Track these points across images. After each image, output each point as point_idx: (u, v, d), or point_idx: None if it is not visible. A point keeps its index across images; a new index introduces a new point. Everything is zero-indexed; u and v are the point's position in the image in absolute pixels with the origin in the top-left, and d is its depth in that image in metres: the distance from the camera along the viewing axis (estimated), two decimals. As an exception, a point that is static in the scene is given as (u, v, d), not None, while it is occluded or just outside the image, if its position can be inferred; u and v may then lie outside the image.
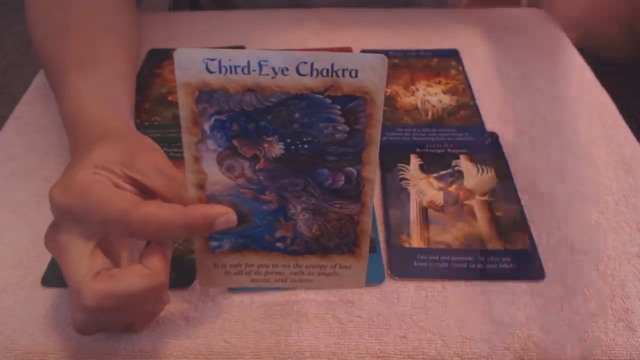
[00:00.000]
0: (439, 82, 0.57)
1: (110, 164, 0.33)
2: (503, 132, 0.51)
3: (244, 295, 0.39)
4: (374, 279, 0.39)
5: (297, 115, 0.31)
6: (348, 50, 0.62)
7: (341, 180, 0.33)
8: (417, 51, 0.62)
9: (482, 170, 0.47)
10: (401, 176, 0.47)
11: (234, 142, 0.32)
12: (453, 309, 0.38)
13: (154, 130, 0.51)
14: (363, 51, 0.61)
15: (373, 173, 0.33)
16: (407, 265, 0.40)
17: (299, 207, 0.34)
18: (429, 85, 0.57)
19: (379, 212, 0.44)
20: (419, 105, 0.54)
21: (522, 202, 0.44)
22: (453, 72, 0.58)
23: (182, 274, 0.39)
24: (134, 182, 0.33)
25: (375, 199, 0.45)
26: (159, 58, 0.61)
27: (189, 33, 0.66)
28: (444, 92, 0.56)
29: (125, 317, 0.34)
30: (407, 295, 0.39)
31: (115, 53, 0.49)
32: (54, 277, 0.40)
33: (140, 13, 0.62)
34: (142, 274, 0.32)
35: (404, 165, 0.48)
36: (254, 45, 0.62)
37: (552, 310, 0.38)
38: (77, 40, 0.48)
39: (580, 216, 0.44)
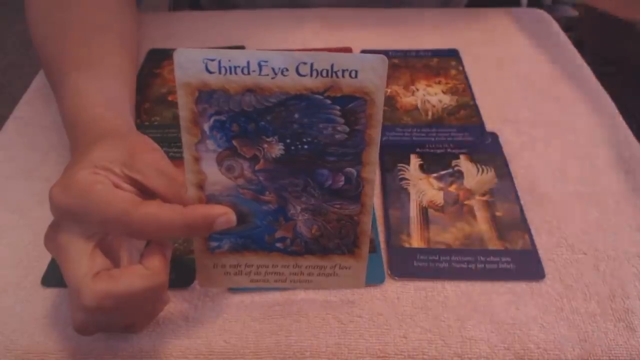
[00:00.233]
0: (439, 82, 0.57)
1: (110, 164, 0.33)
2: (503, 132, 0.51)
3: (244, 295, 0.39)
4: (374, 279, 0.39)
5: (296, 115, 0.31)
6: (348, 50, 0.62)
7: (341, 181, 0.33)
8: (417, 51, 0.62)
9: (482, 170, 0.47)
10: (401, 176, 0.47)
11: (234, 142, 0.32)
12: (453, 309, 0.38)
13: (154, 130, 0.51)
14: (363, 51, 0.61)
15: (373, 173, 0.33)
16: (407, 265, 0.40)
17: (298, 208, 0.34)
18: (429, 85, 0.57)
19: (379, 212, 0.44)
20: (419, 105, 0.54)
21: (522, 202, 0.44)
22: (453, 72, 0.58)
23: (182, 274, 0.39)
24: (133, 182, 0.33)
25: (375, 199, 0.45)
26: (159, 58, 0.61)
27: (189, 33, 0.66)
28: (444, 92, 0.56)
29: (125, 318, 0.34)
30: (407, 295, 0.39)
31: (115, 53, 0.49)
32: (54, 277, 0.40)
33: (140, 13, 0.62)
34: (141, 274, 0.32)
35: (404, 165, 0.48)
36: (253, 45, 0.62)
37: (552, 310, 0.38)
38: (77, 40, 0.48)
39: (580, 216, 0.44)
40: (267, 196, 0.33)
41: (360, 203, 0.34)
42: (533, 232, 0.42)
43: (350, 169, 0.33)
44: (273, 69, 0.29)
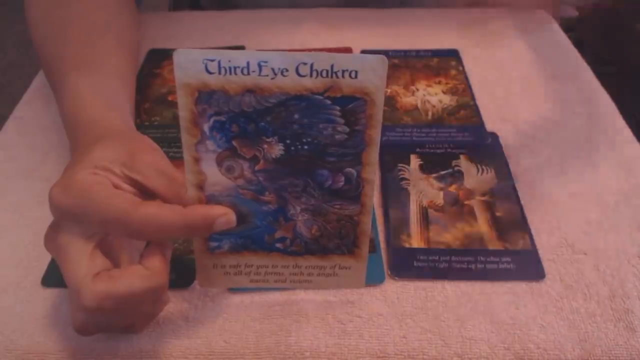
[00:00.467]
0: (439, 82, 0.57)
1: (110, 165, 0.33)
2: (503, 132, 0.51)
3: (244, 295, 0.39)
4: (374, 279, 0.39)
5: (296, 116, 0.31)
6: (348, 50, 0.62)
7: (341, 181, 0.33)
8: (417, 51, 0.62)
9: (482, 170, 0.47)
10: (401, 176, 0.47)
11: (234, 143, 0.32)
12: (453, 309, 0.38)
13: (154, 130, 0.51)
14: (363, 51, 0.61)
15: (373, 174, 0.33)
16: (407, 265, 0.40)
17: (298, 208, 0.34)
18: (429, 85, 0.57)
19: (379, 212, 0.44)
20: (419, 105, 0.54)
21: (522, 202, 0.44)
22: (453, 72, 0.58)
23: (182, 274, 0.39)
24: (133, 183, 0.33)
25: (375, 199, 0.45)
26: (159, 58, 0.61)
27: (189, 33, 0.66)
28: (444, 92, 0.56)
29: (125, 318, 0.34)
30: (407, 295, 0.39)
31: (115, 53, 0.49)
32: (54, 277, 0.40)
33: (140, 13, 0.62)
34: (141, 274, 0.32)
35: (404, 165, 0.48)
36: (254, 46, 0.62)
37: (552, 310, 0.38)
38: (77, 40, 0.48)
39: (580, 216, 0.44)
40: (267, 196, 0.33)
41: (360, 203, 0.34)
42: (533, 232, 0.42)
43: (350, 169, 0.33)
44: (273, 70, 0.29)
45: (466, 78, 0.58)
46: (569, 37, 0.65)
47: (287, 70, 0.29)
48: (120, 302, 0.31)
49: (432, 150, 0.49)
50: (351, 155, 0.32)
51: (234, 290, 0.39)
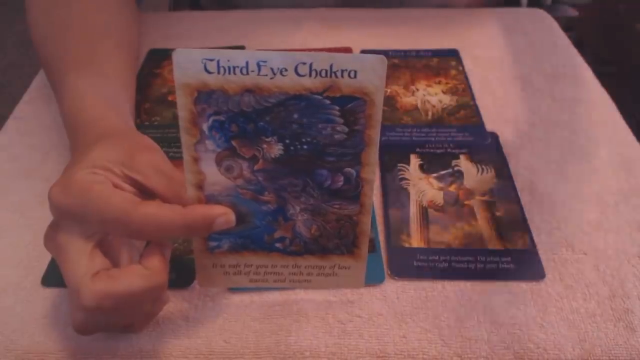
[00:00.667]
0: (439, 82, 0.57)
1: (110, 164, 0.33)
2: (503, 132, 0.51)
3: (244, 295, 0.39)
4: (373, 278, 0.39)
5: (296, 115, 0.31)
6: (348, 50, 0.62)
7: (340, 181, 0.33)
8: (417, 51, 0.62)
9: (482, 170, 0.47)
10: (401, 176, 0.47)
11: (233, 142, 0.32)
12: (453, 309, 0.38)
13: (154, 130, 0.51)
14: (363, 51, 0.61)
15: (372, 174, 0.33)
16: (407, 265, 0.40)
17: (297, 208, 0.34)
18: (429, 85, 0.57)
19: (379, 212, 0.44)
20: (419, 105, 0.54)
21: (522, 202, 0.44)
22: (453, 72, 0.58)
23: (182, 274, 0.39)
24: (133, 183, 0.33)
25: (375, 199, 0.45)
26: (159, 58, 0.61)
27: (189, 33, 0.66)
28: (444, 92, 0.56)
29: (124, 317, 0.34)
30: (407, 295, 0.39)
31: (116, 53, 0.49)
32: (54, 277, 0.40)
33: (140, 13, 0.62)
34: (141, 274, 0.32)
35: (404, 165, 0.48)
36: (254, 45, 0.62)
37: (552, 310, 0.38)
38: (77, 40, 0.48)
39: (580, 216, 0.44)
40: (267, 196, 0.33)
41: (359, 203, 0.34)
42: (533, 232, 0.42)
43: (349, 169, 0.33)
44: (272, 69, 0.29)
45: (466, 78, 0.58)
46: (569, 37, 0.65)
47: (286, 70, 0.29)
48: (119, 302, 0.31)
49: (432, 150, 0.49)
50: (350, 155, 0.32)
51: (234, 290, 0.39)
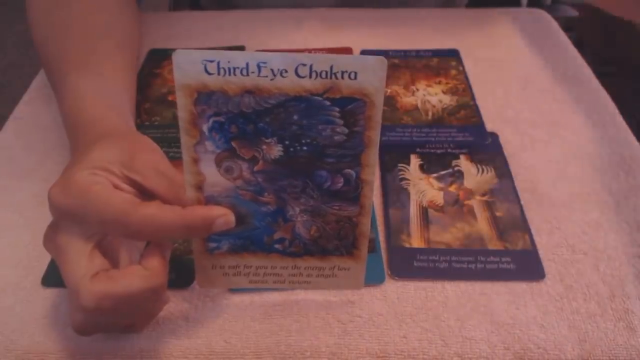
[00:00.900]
0: (439, 82, 0.57)
1: (110, 165, 0.33)
2: (503, 132, 0.51)
3: (244, 295, 0.39)
4: (374, 279, 0.39)
5: (295, 117, 0.31)
6: (348, 50, 0.62)
7: (340, 182, 0.33)
8: (417, 51, 0.62)
9: (482, 170, 0.47)
10: (401, 176, 0.47)
11: (233, 143, 0.32)
12: (453, 309, 0.38)
13: (154, 130, 0.51)
14: (363, 51, 0.61)
15: (372, 175, 0.33)
16: (407, 265, 0.40)
17: (297, 209, 0.34)
18: (429, 85, 0.57)
19: (379, 212, 0.44)
20: (419, 105, 0.54)
21: (522, 202, 0.44)
22: (453, 72, 0.58)
23: (181, 274, 0.39)
24: (133, 183, 0.33)
25: (375, 199, 0.45)
26: (159, 58, 0.61)
27: (189, 33, 0.66)
28: (444, 92, 0.56)
29: (124, 318, 0.34)
30: (407, 295, 0.39)
31: (116, 53, 0.49)
32: (54, 277, 0.40)
33: (140, 13, 0.62)
34: (140, 274, 0.32)
35: (404, 165, 0.48)
36: (254, 46, 0.62)
37: (552, 310, 0.38)
38: (77, 40, 0.48)
39: (580, 216, 0.44)
40: (266, 197, 0.33)
41: (359, 204, 0.34)
42: (533, 232, 0.42)
43: (349, 170, 0.33)
44: (272, 71, 0.29)
45: (466, 78, 0.58)
46: (569, 37, 0.65)
47: (286, 71, 0.29)
48: (118, 302, 0.31)
49: (432, 150, 0.49)
50: (350, 156, 0.32)
51: (234, 290, 0.39)
